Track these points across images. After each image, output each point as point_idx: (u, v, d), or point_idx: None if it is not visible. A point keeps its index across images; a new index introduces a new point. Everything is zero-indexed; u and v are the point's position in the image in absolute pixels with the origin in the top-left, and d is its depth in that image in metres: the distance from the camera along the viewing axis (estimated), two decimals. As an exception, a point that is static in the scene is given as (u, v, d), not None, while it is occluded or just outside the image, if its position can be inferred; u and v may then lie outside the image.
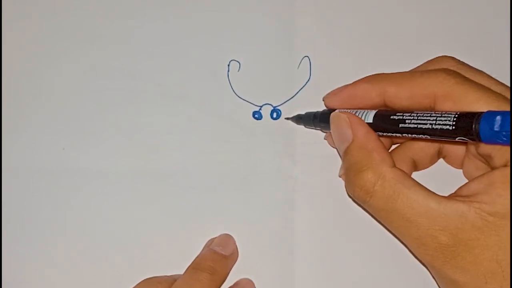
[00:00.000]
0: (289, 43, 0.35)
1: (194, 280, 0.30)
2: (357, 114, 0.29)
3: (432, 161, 0.32)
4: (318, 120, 0.32)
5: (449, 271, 0.25)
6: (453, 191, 0.26)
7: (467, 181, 0.27)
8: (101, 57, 0.36)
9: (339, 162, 0.33)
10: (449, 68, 0.26)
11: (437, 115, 0.25)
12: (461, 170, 0.31)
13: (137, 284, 0.31)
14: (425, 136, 0.25)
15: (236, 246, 0.33)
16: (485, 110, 0.23)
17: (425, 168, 0.32)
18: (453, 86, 0.25)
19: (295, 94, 0.35)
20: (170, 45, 0.36)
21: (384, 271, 0.33)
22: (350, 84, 0.30)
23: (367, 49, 0.35)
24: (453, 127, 0.24)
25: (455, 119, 0.24)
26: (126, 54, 0.35)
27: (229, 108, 0.35)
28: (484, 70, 0.27)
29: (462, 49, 0.31)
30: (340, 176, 0.32)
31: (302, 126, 0.34)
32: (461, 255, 0.24)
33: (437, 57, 0.29)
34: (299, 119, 0.34)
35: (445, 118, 0.24)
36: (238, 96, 0.35)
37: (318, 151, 0.34)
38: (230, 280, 0.32)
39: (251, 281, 0.32)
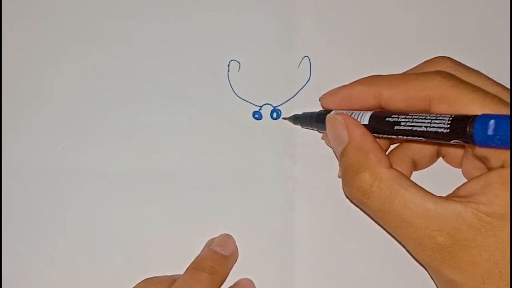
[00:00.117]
0: (289, 43, 0.35)
1: (194, 280, 0.30)
2: (353, 116, 0.28)
3: (432, 161, 0.32)
4: (315, 120, 0.32)
5: (446, 271, 0.25)
6: (452, 191, 0.26)
7: (466, 180, 0.27)
8: (101, 57, 0.36)
9: (338, 162, 0.33)
10: (445, 70, 0.26)
11: (432, 117, 0.25)
12: (460, 170, 0.31)
13: (137, 284, 0.31)
14: (420, 138, 0.25)
15: (236, 246, 0.33)
16: (479, 113, 0.23)
17: (425, 167, 0.32)
18: (448, 88, 0.25)
19: (295, 94, 0.35)
20: (170, 45, 0.36)
21: (383, 271, 0.33)
22: (346, 85, 0.30)
23: (367, 49, 0.35)
24: (448, 130, 0.24)
25: (449, 122, 0.24)
26: (126, 54, 0.36)
27: (229, 108, 0.35)
28: (484, 70, 0.27)
29: (462, 49, 0.32)
30: (339, 177, 0.32)
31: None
32: (459, 256, 0.24)
33: (433, 58, 0.29)
34: (296, 119, 0.34)
35: (440, 121, 0.24)
36: (238, 96, 0.35)
37: (318, 151, 0.34)
38: (230, 280, 0.32)
39: (251, 281, 0.32)
